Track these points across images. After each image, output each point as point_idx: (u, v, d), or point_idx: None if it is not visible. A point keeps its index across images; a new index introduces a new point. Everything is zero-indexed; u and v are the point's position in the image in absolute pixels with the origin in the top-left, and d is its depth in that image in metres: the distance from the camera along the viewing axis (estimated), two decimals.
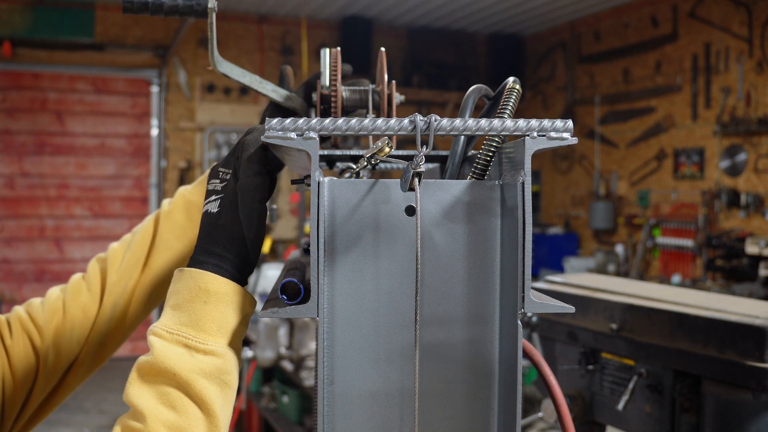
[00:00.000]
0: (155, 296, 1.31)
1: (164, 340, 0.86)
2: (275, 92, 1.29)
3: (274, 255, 7.99)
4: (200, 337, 0.86)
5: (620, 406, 1.59)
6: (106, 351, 1.30)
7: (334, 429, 0.81)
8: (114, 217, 8.45)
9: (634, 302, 1.64)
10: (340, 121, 0.76)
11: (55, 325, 1.24)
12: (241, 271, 0.91)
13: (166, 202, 1.34)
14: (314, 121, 0.76)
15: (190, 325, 0.87)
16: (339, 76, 1.11)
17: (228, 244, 0.91)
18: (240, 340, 0.92)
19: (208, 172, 1.22)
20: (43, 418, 1.28)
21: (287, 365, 4.48)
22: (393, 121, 0.77)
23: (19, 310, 1.27)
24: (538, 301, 0.76)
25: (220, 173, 0.97)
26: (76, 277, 1.31)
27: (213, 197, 0.94)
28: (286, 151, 0.88)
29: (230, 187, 0.93)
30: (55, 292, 1.30)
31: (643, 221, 7.80)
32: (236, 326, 0.90)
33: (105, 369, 1.39)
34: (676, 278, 6.97)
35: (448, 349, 0.82)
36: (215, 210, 0.93)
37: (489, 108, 0.99)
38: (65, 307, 1.26)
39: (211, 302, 0.88)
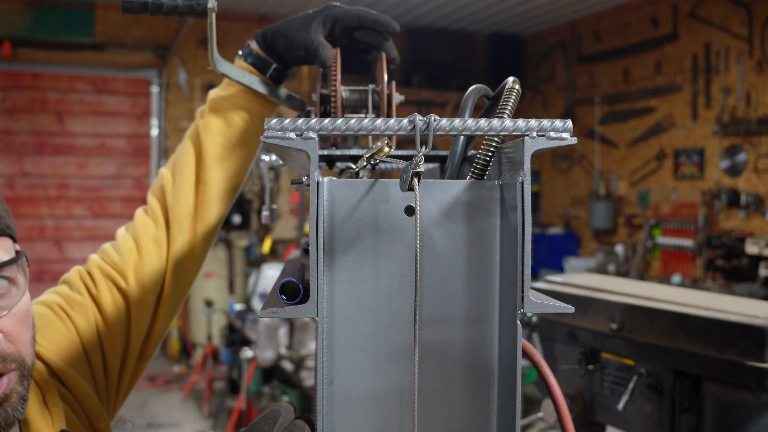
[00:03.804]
0: (220, 210, 1.30)
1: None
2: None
3: (274, 255, 8.00)
4: None
5: (620, 406, 1.59)
6: (188, 275, 1.30)
7: (334, 429, 0.81)
8: (114, 218, 8.44)
9: (634, 302, 1.63)
10: (340, 121, 0.76)
11: (133, 264, 1.24)
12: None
13: (198, 113, 1.33)
14: (314, 121, 0.76)
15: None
16: (339, 76, 1.11)
17: None
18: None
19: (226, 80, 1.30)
20: (149, 358, 1.28)
21: (287, 365, 4.48)
22: (392, 121, 0.77)
23: (94, 258, 1.27)
24: (537, 301, 0.76)
25: None
26: (140, 212, 1.31)
27: None
28: (285, 151, 0.88)
29: None
30: (122, 232, 1.30)
31: (643, 221, 7.80)
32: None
33: None
34: (676, 278, 6.97)
35: (447, 349, 0.82)
36: None
37: (488, 108, 0.99)
38: (138, 243, 1.26)
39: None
